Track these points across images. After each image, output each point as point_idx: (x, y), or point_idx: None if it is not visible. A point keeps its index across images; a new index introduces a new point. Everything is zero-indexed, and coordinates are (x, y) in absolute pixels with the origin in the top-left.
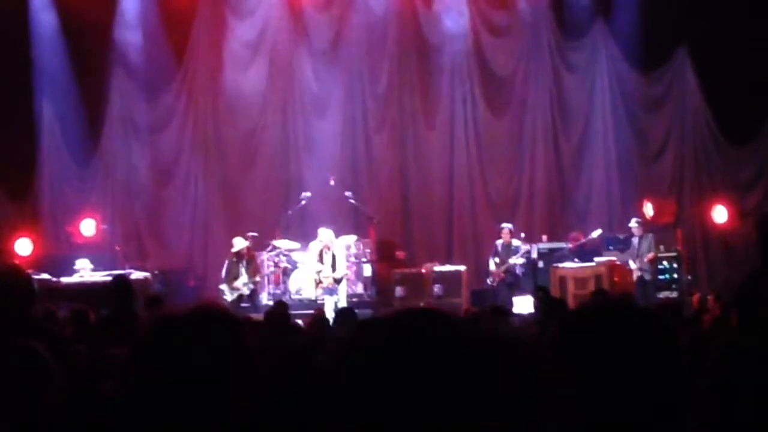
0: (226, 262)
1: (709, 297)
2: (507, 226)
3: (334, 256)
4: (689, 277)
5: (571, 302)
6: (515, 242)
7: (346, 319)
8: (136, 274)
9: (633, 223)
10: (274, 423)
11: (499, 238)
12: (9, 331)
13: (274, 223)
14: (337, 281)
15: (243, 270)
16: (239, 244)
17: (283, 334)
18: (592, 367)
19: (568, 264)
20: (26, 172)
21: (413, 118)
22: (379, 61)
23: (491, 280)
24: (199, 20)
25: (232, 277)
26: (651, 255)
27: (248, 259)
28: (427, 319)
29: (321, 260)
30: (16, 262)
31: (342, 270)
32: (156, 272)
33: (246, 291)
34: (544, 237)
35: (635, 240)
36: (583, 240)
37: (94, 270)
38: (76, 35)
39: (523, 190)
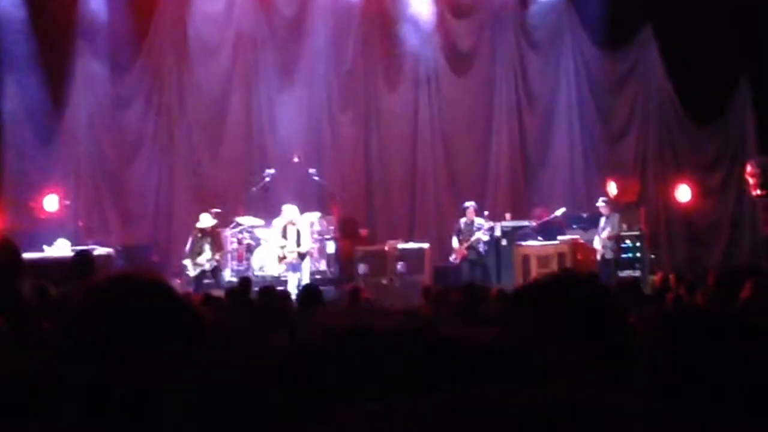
0: (191, 237)
1: (671, 275)
2: (471, 204)
3: (298, 232)
4: (652, 256)
5: None
6: (478, 220)
7: (311, 296)
8: (100, 250)
9: (600, 203)
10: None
11: (463, 216)
12: None
13: (237, 199)
14: (302, 256)
15: (207, 246)
16: (205, 220)
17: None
18: (539, 338)
19: (531, 242)
20: None
21: (377, 96)
22: (344, 40)
23: (454, 257)
24: None
25: (196, 252)
26: (609, 233)
27: (213, 235)
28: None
29: (285, 236)
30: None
31: (307, 244)
32: (119, 248)
33: (208, 267)
34: (508, 215)
35: (603, 219)
36: (546, 217)
37: (51, 246)
38: (40, 10)
39: (487, 168)
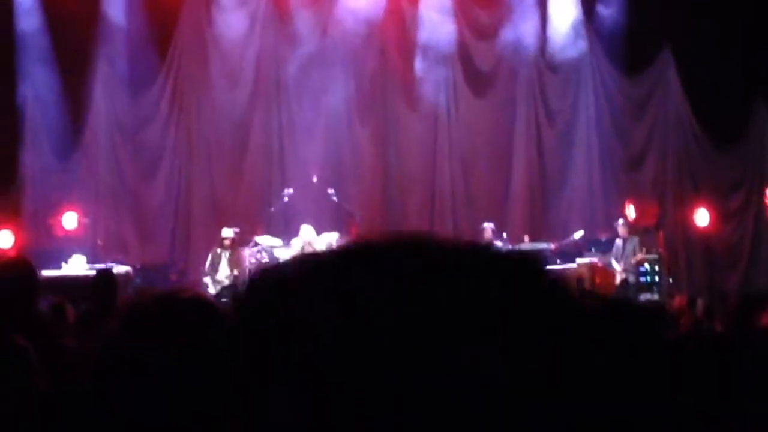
0: (210, 254)
1: (691, 300)
2: (489, 225)
3: None
4: (670, 280)
5: None
6: (496, 243)
7: None
8: (117, 269)
9: (619, 224)
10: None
11: (481, 238)
12: (9, 328)
13: (256, 219)
14: None
15: (225, 260)
16: (224, 233)
17: None
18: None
19: (549, 265)
20: (8, 165)
21: (396, 117)
22: (364, 60)
23: None
24: (185, 14)
25: (215, 268)
26: (639, 257)
27: (231, 249)
28: None
29: None
30: (21, 255)
31: None
32: (137, 267)
33: (227, 282)
34: (526, 237)
35: (619, 241)
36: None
37: (67, 262)
38: (61, 30)
39: (506, 190)
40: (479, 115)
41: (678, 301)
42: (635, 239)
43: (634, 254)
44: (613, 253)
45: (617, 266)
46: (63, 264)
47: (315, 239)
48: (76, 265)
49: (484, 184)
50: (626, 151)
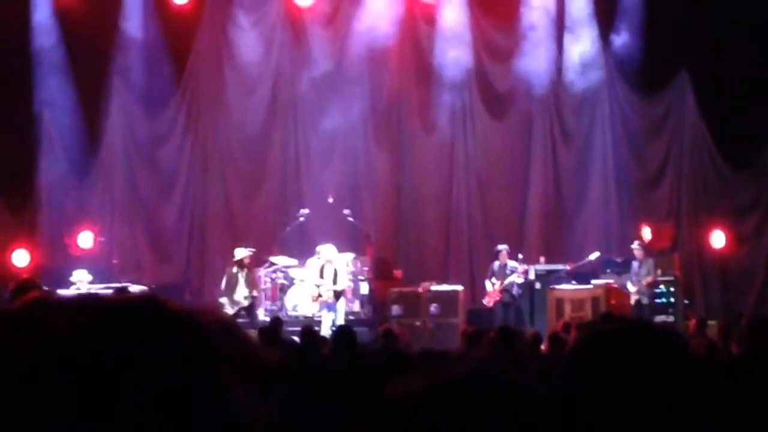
0: (225, 275)
1: (705, 321)
2: (504, 247)
3: (335, 271)
4: (686, 302)
5: None
6: (511, 263)
7: (344, 339)
8: (132, 288)
9: (635, 246)
10: None
11: (496, 259)
12: None
13: (271, 239)
14: (338, 295)
15: (242, 280)
16: (241, 253)
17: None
18: (609, 392)
19: (565, 286)
20: (25, 183)
21: (412, 138)
22: (380, 81)
23: (487, 300)
24: (202, 34)
25: (232, 288)
26: (650, 278)
27: (248, 270)
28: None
29: (322, 275)
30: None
31: (344, 282)
32: (152, 286)
33: (246, 303)
34: (542, 258)
35: (635, 263)
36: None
37: (90, 282)
38: (77, 47)
39: (522, 211)
40: (495, 137)
41: (693, 323)
42: (650, 261)
43: (648, 275)
44: (629, 275)
45: (632, 288)
46: (72, 282)
47: (336, 258)
48: (81, 281)
49: (500, 206)
50: (642, 172)
